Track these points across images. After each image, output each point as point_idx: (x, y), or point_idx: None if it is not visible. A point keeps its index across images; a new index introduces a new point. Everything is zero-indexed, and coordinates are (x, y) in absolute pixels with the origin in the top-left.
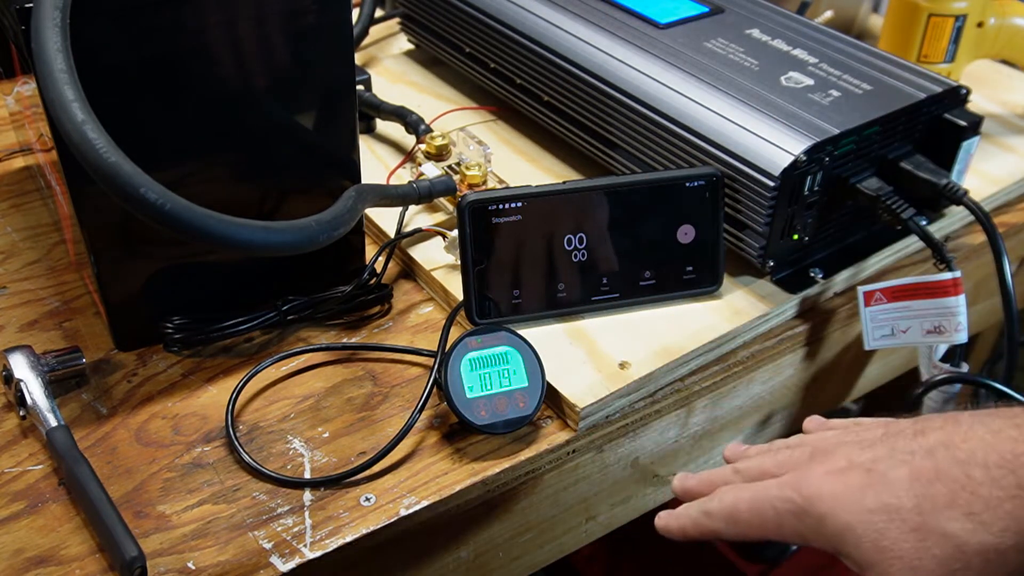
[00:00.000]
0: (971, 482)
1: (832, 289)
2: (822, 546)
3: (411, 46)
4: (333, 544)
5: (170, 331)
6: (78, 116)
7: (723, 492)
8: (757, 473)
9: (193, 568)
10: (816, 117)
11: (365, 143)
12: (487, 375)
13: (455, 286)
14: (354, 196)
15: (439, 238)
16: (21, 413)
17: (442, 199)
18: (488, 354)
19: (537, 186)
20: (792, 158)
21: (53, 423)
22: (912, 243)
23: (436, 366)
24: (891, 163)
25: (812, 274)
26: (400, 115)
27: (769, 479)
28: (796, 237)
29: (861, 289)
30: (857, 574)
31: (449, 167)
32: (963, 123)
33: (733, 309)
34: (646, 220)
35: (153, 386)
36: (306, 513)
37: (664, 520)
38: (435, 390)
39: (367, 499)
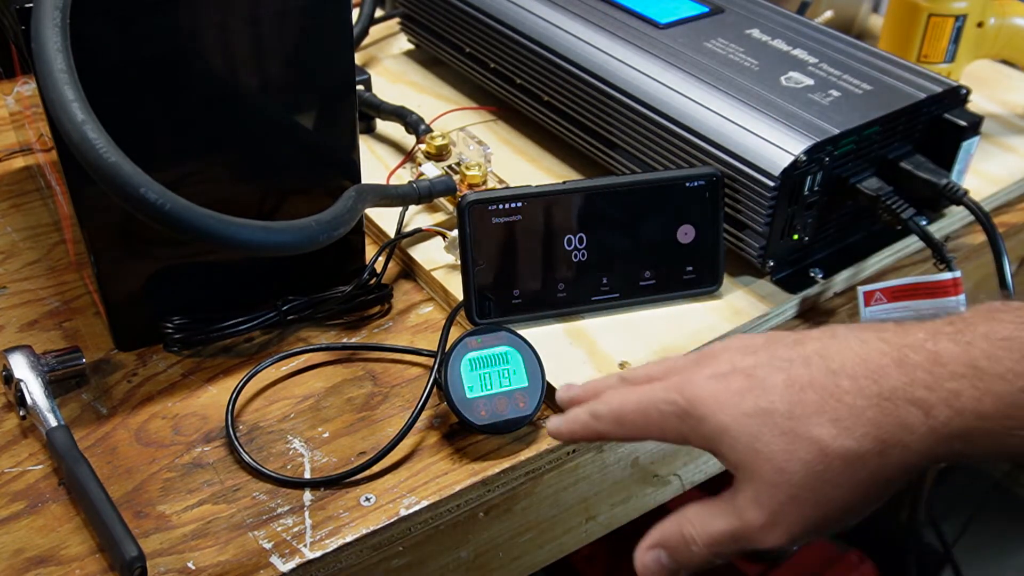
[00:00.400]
0: (839, 390)
1: (832, 289)
2: (701, 446)
3: (411, 46)
4: (333, 544)
5: (170, 331)
6: (78, 116)
7: (610, 394)
8: (643, 379)
9: (193, 568)
10: (816, 117)
11: (365, 143)
12: (487, 375)
13: (455, 286)
14: (354, 196)
15: (439, 238)
16: (21, 413)
17: (442, 199)
18: (488, 354)
19: (537, 186)
20: (792, 158)
21: (53, 423)
22: (912, 243)
23: (436, 366)
24: (891, 163)
25: (812, 274)
26: (400, 115)
27: (656, 383)
28: (796, 237)
29: (861, 289)
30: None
31: (449, 167)
32: (963, 123)
33: (733, 309)
34: (646, 220)
35: (153, 386)
36: (306, 513)
37: (555, 424)
38: (435, 390)
39: (367, 499)
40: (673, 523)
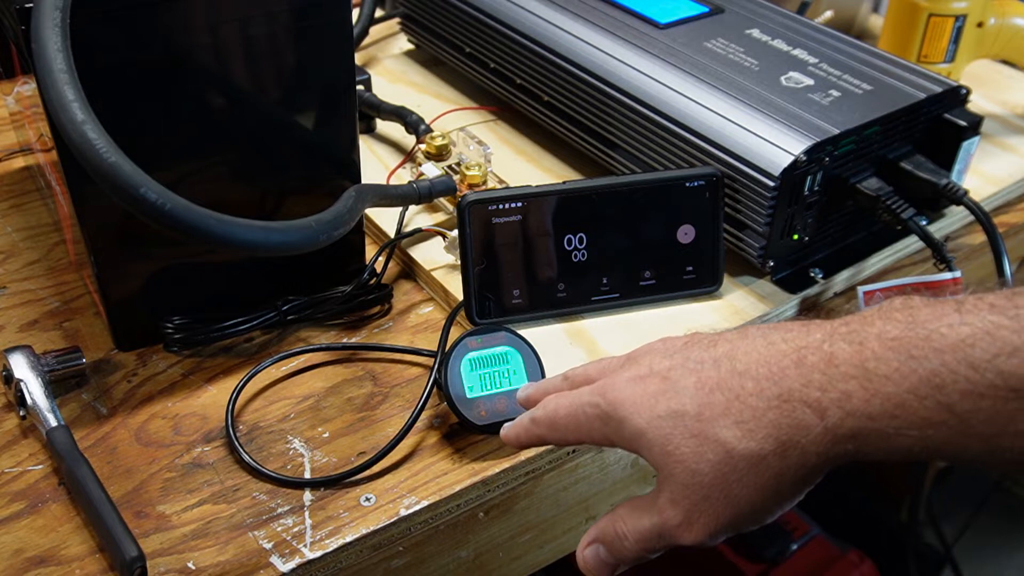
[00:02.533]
0: (743, 392)
1: (832, 289)
2: (624, 448)
3: (411, 46)
4: (333, 544)
5: (170, 331)
6: (78, 116)
7: (547, 400)
8: (582, 378)
9: (193, 568)
10: (816, 117)
11: (365, 143)
12: (487, 375)
13: (455, 286)
14: (354, 196)
15: (439, 238)
16: (21, 413)
17: (442, 199)
18: (488, 354)
19: (537, 186)
20: (792, 158)
21: (53, 423)
22: (912, 243)
23: (436, 366)
24: (891, 163)
25: (812, 274)
26: (400, 115)
27: (586, 386)
28: (796, 237)
29: (861, 289)
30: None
31: (449, 167)
32: (963, 123)
33: (733, 309)
34: (646, 220)
35: (153, 386)
36: (306, 513)
37: (505, 430)
38: (435, 390)
39: (367, 499)
40: (608, 520)
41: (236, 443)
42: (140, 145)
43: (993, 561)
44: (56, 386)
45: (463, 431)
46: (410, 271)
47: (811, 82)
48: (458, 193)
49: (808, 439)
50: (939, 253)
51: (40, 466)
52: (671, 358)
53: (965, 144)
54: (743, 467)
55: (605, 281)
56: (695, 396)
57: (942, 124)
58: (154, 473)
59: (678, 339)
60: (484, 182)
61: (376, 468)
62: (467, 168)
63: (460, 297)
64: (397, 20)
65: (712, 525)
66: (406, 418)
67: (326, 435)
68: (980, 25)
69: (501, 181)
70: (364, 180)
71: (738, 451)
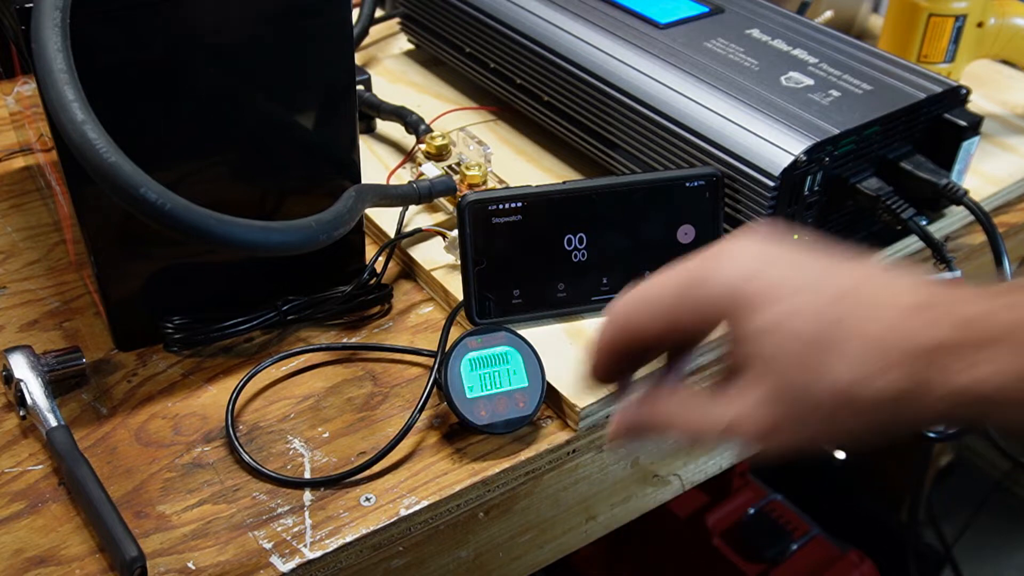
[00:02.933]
0: (868, 335)
1: None
2: (732, 335)
3: (411, 46)
4: (333, 544)
5: (170, 331)
6: (78, 116)
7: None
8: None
9: (193, 568)
10: (816, 117)
11: (365, 143)
12: (487, 375)
13: (455, 286)
14: (354, 196)
15: (439, 238)
16: (21, 413)
17: (442, 199)
18: (488, 354)
19: (537, 186)
20: (792, 158)
21: (53, 423)
22: (912, 243)
23: (436, 366)
24: (891, 163)
25: None
26: (400, 115)
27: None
28: (796, 237)
29: None
30: None
31: (449, 167)
32: (963, 123)
33: None
34: (646, 220)
35: (153, 386)
36: (306, 513)
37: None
38: (435, 390)
39: (367, 499)
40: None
41: (236, 443)
42: (140, 145)
43: (993, 561)
44: (56, 386)
45: (463, 431)
46: (410, 271)
47: (811, 82)
48: (458, 193)
49: (925, 401)
50: (939, 253)
51: (40, 466)
52: (805, 277)
53: (965, 144)
54: (854, 407)
55: (605, 281)
56: (827, 327)
57: (942, 124)
58: (154, 473)
59: (813, 255)
60: (484, 182)
61: (376, 468)
62: (467, 168)
63: (460, 297)
64: (397, 20)
65: (797, 443)
66: (406, 418)
67: (326, 435)
68: (980, 25)
69: (501, 181)
70: (364, 180)
71: (852, 392)
